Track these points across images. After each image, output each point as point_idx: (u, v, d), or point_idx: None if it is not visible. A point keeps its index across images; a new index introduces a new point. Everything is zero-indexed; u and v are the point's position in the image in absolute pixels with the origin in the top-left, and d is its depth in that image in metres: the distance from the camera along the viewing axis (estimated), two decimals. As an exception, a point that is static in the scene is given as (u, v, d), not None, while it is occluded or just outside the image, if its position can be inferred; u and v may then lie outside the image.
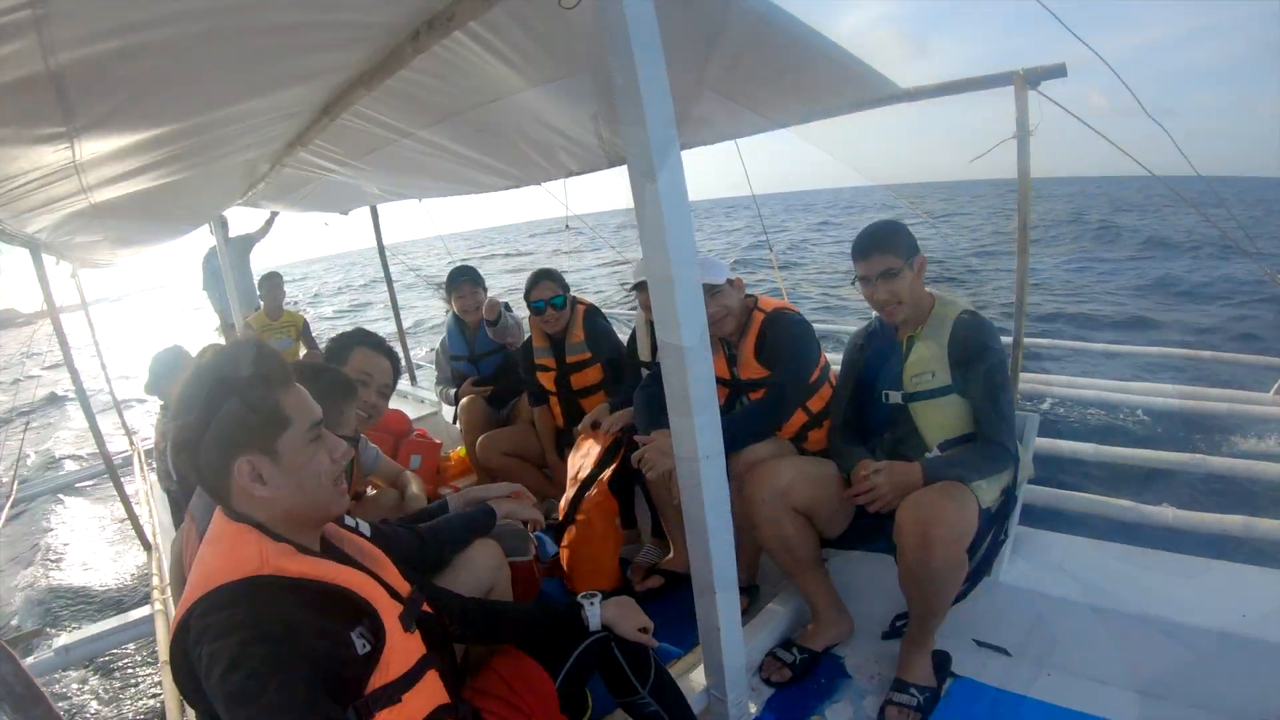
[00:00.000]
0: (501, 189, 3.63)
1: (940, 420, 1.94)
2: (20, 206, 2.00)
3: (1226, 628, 1.69)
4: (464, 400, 3.43)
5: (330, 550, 1.22)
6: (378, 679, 1.08)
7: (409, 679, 1.13)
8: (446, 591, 1.50)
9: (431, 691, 1.18)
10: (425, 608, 1.30)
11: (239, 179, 3.45)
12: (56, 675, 2.98)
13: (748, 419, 2.16)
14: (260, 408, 1.06)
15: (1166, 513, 2.79)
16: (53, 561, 4.95)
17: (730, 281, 2.19)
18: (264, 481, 1.07)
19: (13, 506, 3.32)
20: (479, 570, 1.75)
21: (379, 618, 1.12)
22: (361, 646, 1.09)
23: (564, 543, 2.51)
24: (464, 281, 3.51)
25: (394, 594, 1.21)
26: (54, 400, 11.68)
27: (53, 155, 1.71)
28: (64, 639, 2.45)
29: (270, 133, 2.58)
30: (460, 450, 3.53)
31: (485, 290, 3.58)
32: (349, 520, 1.53)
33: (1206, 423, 4.38)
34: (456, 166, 3.32)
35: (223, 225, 5.92)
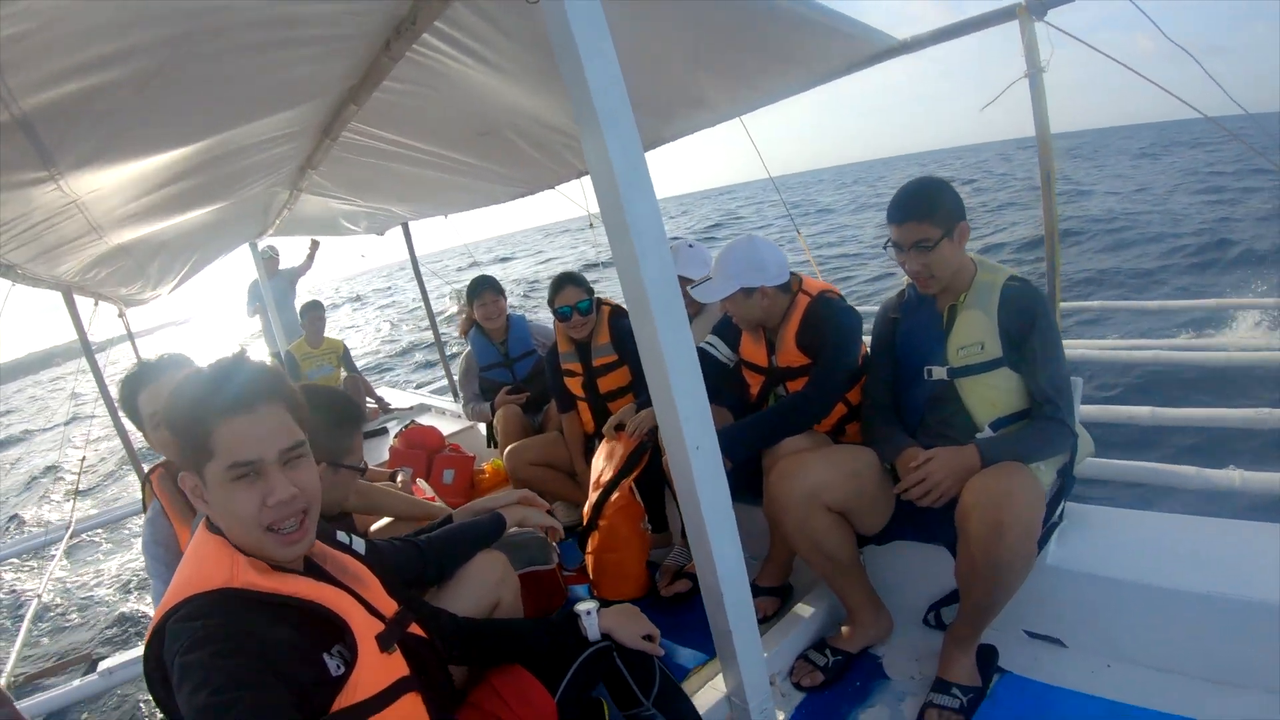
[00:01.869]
0: (519, 196, 3.63)
1: (992, 397, 1.75)
2: (33, 249, 2.08)
3: None
4: (500, 411, 3.41)
5: (310, 567, 1.19)
6: (343, 699, 1.03)
7: (380, 701, 1.08)
8: (438, 610, 1.45)
9: (408, 715, 1.12)
10: (416, 630, 1.26)
11: (259, 208, 3.54)
12: (102, 697, 3.13)
13: (783, 414, 2.03)
14: (186, 432, 1.04)
15: (1233, 475, 2.49)
16: (105, 590, 5.29)
17: (745, 290, 2.04)
18: (205, 501, 1.07)
19: (71, 537, 3.51)
20: (483, 584, 1.68)
21: (353, 636, 1.09)
22: (335, 668, 1.06)
23: (589, 549, 2.44)
24: (486, 290, 3.51)
25: (375, 613, 1.17)
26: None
27: (46, 196, 1.75)
28: (108, 662, 2.55)
29: (274, 155, 2.62)
30: (495, 462, 3.51)
31: (505, 298, 3.59)
32: (341, 537, 1.51)
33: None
34: (469, 180, 3.33)
35: (270, 259, 6.18)
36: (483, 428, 3.78)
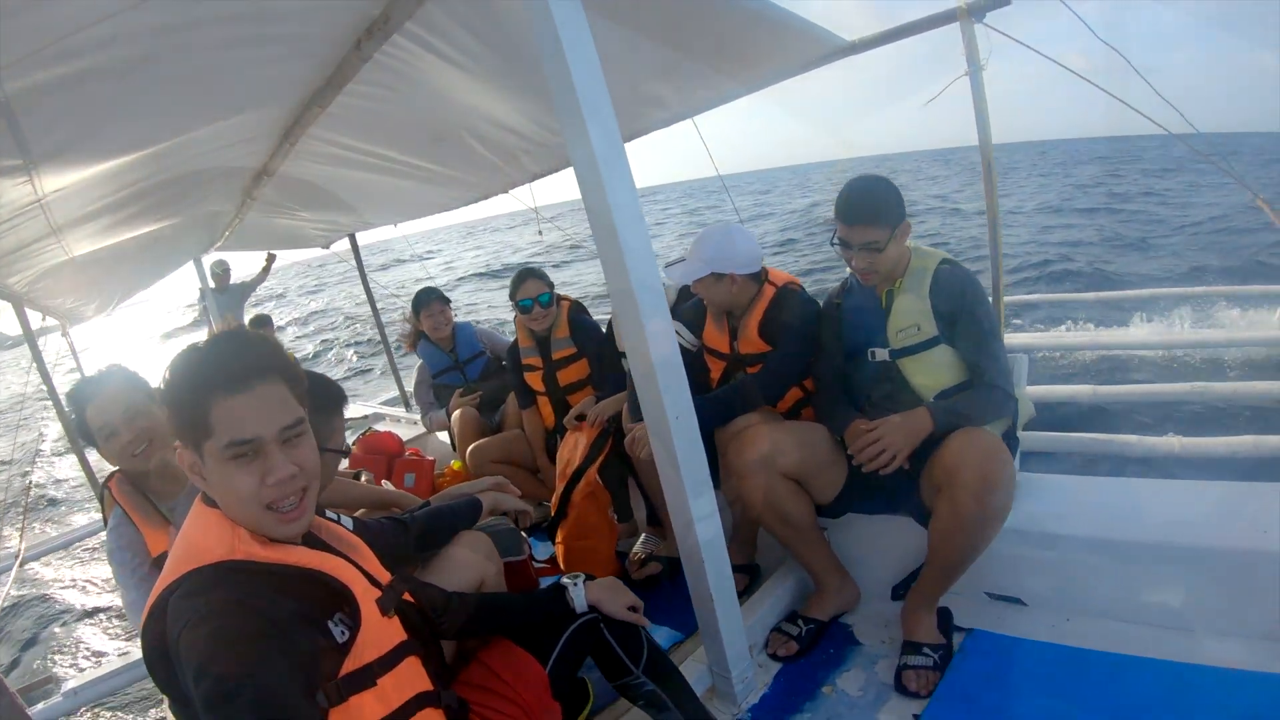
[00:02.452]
0: (472, 201, 3.67)
1: (932, 373, 1.88)
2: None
3: (1253, 546, 1.59)
4: (456, 413, 3.43)
5: (307, 537, 1.18)
6: (351, 663, 1.05)
7: (386, 663, 1.10)
8: (427, 584, 1.46)
9: (411, 678, 1.15)
10: (408, 598, 1.28)
11: (209, 218, 3.48)
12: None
13: (737, 393, 2.11)
14: (184, 408, 1.02)
15: (1173, 442, 2.67)
16: (62, 611, 5.05)
17: (716, 275, 2.12)
18: (202, 477, 1.06)
19: (21, 566, 3.34)
20: (468, 562, 1.70)
21: (355, 601, 1.10)
22: (340, 634, 1.06)
23: (558, 538, 2.48)
24: (434, 300, 3.57)
25: (373, 580, 1.18)
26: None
27: (14, 190, 1.72)
28: (72, 683, 2.46)
29: (233, 157, 2.59)
30: (456, 464, 3.51)
31: (450, 305, 3.66)
32: (330, 513, 1.51)
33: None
34: (422, 186, 3.35)
35: (219, 275, 6.05)
36: (444, 435, 3.78)
